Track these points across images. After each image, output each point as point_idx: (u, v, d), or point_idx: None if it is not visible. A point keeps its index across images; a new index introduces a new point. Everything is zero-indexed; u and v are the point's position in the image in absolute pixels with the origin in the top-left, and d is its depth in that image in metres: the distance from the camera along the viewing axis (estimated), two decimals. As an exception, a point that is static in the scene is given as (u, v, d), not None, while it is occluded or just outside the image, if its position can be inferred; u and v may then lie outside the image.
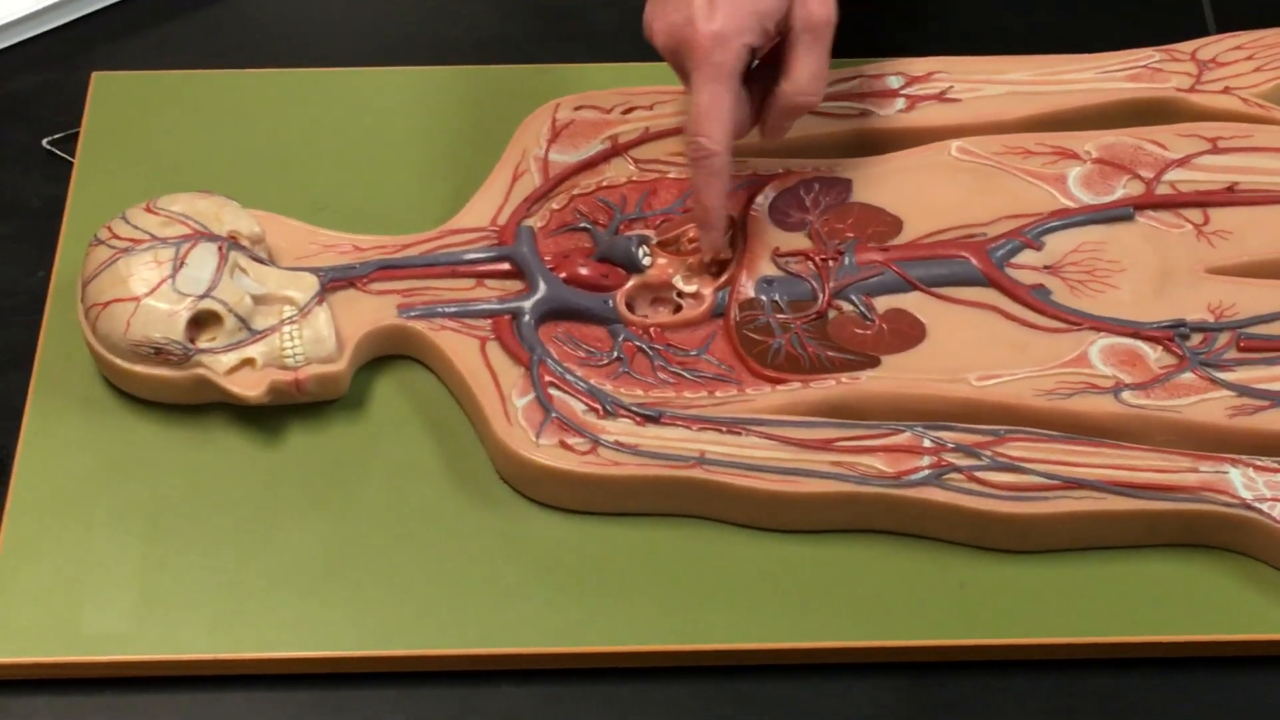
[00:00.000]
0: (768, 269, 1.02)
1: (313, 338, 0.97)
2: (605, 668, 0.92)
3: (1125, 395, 0.96)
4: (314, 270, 1.00)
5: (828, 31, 0.99)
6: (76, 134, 1.10)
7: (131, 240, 0.98)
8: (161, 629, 0.92)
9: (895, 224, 1.03)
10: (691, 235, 1.02)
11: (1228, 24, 1.15)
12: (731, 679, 0.92)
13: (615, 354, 0.99)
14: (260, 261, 0.99)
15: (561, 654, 0.92)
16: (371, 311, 1.00)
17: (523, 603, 0.93)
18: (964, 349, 0.99)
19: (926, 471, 0.94)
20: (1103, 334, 0.99)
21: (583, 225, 1.03)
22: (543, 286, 1.00)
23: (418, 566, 0.94)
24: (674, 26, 0.98)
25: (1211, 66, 1.10)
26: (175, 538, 0.95)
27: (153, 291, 0.96)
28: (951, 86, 1.09)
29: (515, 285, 1.01)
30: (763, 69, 1.00)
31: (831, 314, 1.00)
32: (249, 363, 0.97)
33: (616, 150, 1.06)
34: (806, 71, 0.99)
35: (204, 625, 0.92)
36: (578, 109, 1.08)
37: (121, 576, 0.93)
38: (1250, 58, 1.10)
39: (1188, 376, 0.97)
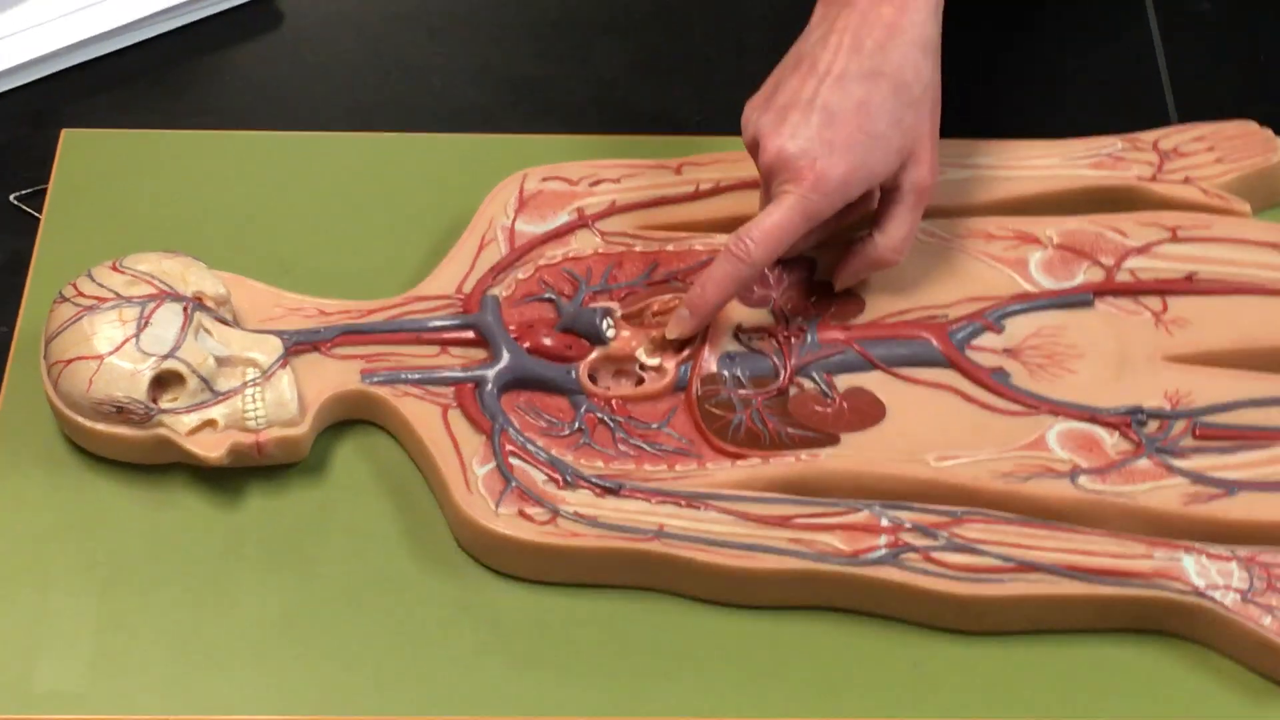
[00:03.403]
0: (730, 345, 1.02)
1: (275, 400, 0.98)
2: (559, 739, 0.92)
3: (1082, 480, 0.97)
4: (278, 333, 1.00)
5: (930, 195, 1.01)
6: (44, 190, 1.10)
7: (96, 298, 0.98)
8: (115, 689, 0.92)
9: (858, 303, 1.04)
10: (655, 309, 1.02)
11: (1189, 113, 1.16)
12: (684, 753, 0.92)
13: (577, 425, 0.99)
14: (225, 323, 1.00)
15: (515, 724, 0.92)
16: (335, 376, 1.00)
17: (479, 672, 0.93)
18: (923, 429, 0.99)
19: (883, 551, 0.94)
20: (1061, 418, 1.00)
21: (548, 296, 1.04)
22: (506, 356, 1.01)
23: (374, 632, 0.94)
24: (786, 152, 0.98)
25: (1173, 156, 1.11)
26: (132, 597, 0.95)
27: (116, 350, 0.96)
28: (916, 169, 1.10)
29: (479, 354, 1.01)
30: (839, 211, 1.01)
31: (793, 391, 1.01)
32: (210, 424, 0.97)
33: (583, 222, 1.07)
34: (902, 231, 1.00)
35: (158, 686, 0.92)
36: (545, 180, 1.08)
37: (76, 635, 0.93)
38: (1211, 149, 1.12)
39: (1144, 463, 0.98)
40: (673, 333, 1.01)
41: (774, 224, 0.98)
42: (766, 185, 1.00)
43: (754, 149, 1.01)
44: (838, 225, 1.03)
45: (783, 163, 0.98)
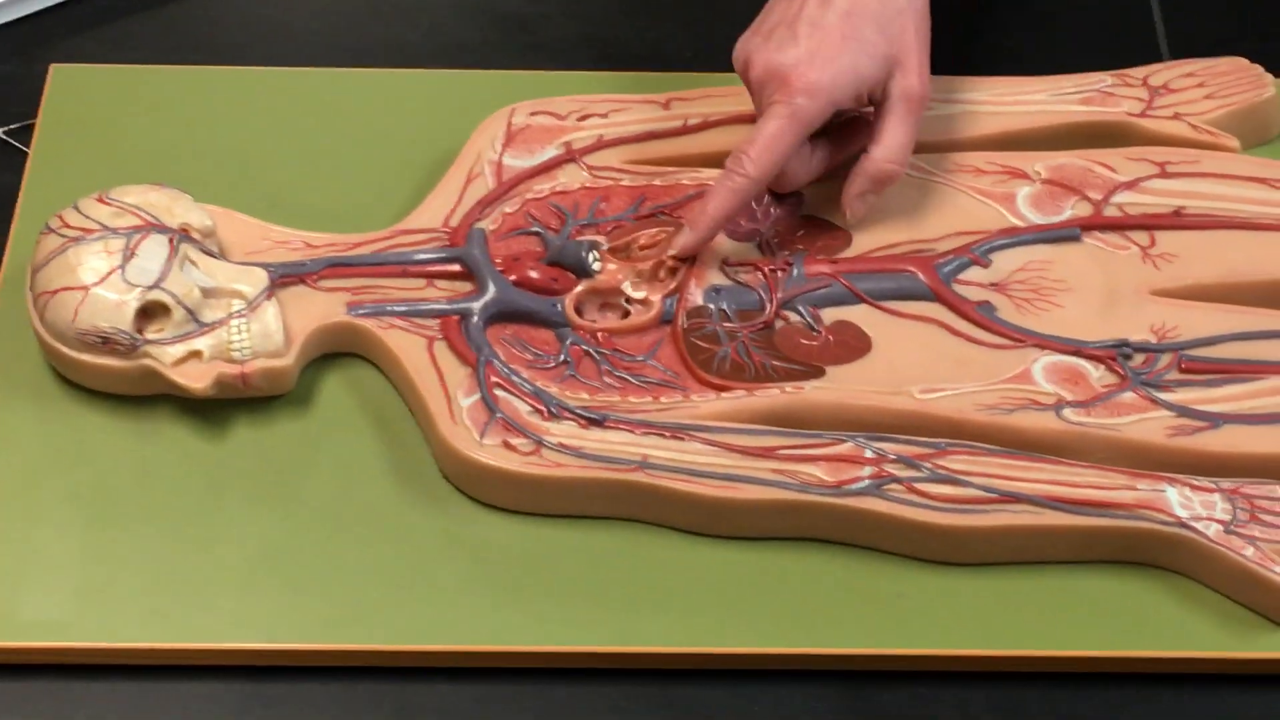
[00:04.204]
0: (717, 278, 1.02)
1: (260, 332, 0.98)
2: (541, 668, 0.92)
3: (1066, 412, 0.97)
4: (265, 265, 1.00)
5: (922, 107, 1.01)
6: (33, 125, 1.10)
7: (82, 230, 0.98)
8: (100, 617, 0.92)
9: (844, 237, 1.04)
10: (642, 243, 1.02)
11: (1181, 49, 1.16)
12: (667, 683, 0.92)
13: (562, 357, 0.99)
14: (211, 255, 1.00)
15: (497, 653, 0.92)
16: (321, 308, 1.00)
17: (461, 601, 0.93)
18: (908, 362, 0.99)
19: (867, 481, 0.94)
20: (1046, 352, 1.00)
21: (534, 230, 1.04)
22: (492, 288, 1.01)
23: (358, 562, 0.94)
24: (773, 63, 0.99)
25: (1163, 93, 1.11)
26: (117, 527, 0.95)
27: (102, 281, 0.96)
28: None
29: (465, 286, 1.01)
30: (837, 132, 1.02)
31: (778, 324, 1.01)
32: (196, 355, 0.97)
33: (571, 156, 1.07)
34: (898, 141, 1.01)
35: (142, 614, 0.92)
36: (533, 114, 1.08)
37: (62, 565, 0.93)
38: (1201, 85, 1.11)
39: (1128, 396, 0.98)
40: (674, 249, 1.01)
41: (768, 135, 0.99)
42: (758, 103, 1.01)
43: (744, 72, 1.02)
44: (841, 153, 1.03)
45: (770, 74, 0.99)
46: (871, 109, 1.03)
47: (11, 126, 1.11)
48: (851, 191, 1.02)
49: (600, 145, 1.07)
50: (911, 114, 1.01)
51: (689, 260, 1.02)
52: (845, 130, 1.04)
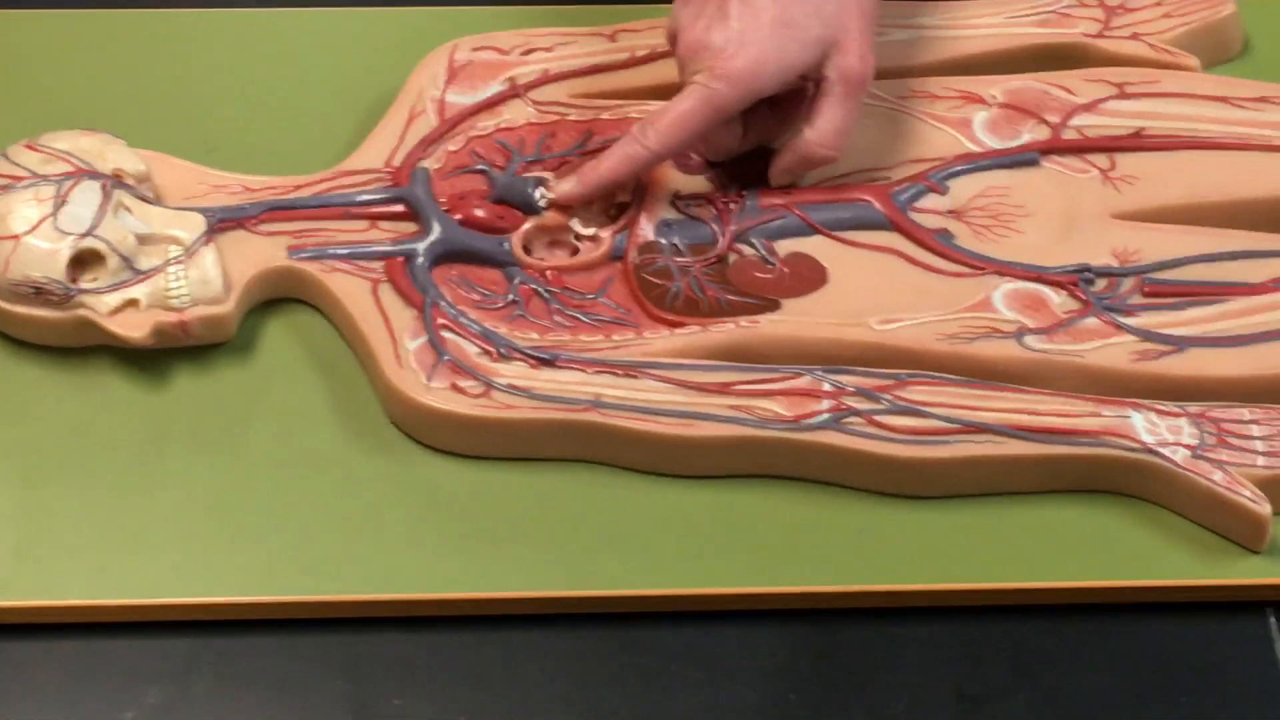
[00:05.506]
0: (667, 212, 1.00)
1: (199, 278, 0.95)
2: (498, 614, 0.90)
3: (1028, 339, 0.95)
4: (202, 210, 0.98)
5: (862, 88, 0.97)
6: (-40, 73, 1.07)
7: (11, 178, 0.95)
8: (40, 575, 0.89)
9: (798, 167, 1.02)
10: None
11: (1136, -31, 1.13)
12: (627, 626, 0.90)
13: (511, 297, 0.97)
14: (146, 201, 0.97)
15: (452, 600, 0.90)
16: (261, 252, 0.97)
17: (413, 549, 0.91)
18: (865, 293, 0.97)
19: (826, 415, 0.92)
20: (1006, 279, 0.98)
21: (480, 168, 1.01)
22: (437, 228, 0.98)
23: (305, 512, 0.92)
24: (699, 43, 0.96)
25: (1119, 12, 1.09)
26: (55, 483, 0.92)
27: (33, 230, 0.94)
28: (857, 30, 1.07)
29: (409, 227, 0.99)
30: (777, 105, 0.99)
31: (731, 258, 0.98)
32: (133, 304, 0.95)
33: (515, 92, 1.04)
34: (832, 124, 0.97)
35: (83, 571, 0.89)
36: (476, 50, 1.06)
37: (-1, 522, 0.91)
38: (1158, 4, 1.09)
39: (1091, 321, 0.96)
40: (554, 193, 0.99)
41: (677, 114, 0.97)
42: (681, 75, 0.98)
43: (673, 41, 0.99)
44: (781, 127, 1.00)
45: (693, 53, 0.97)
46: (811, 85, 0.99)
47: (-62, 75, 1.08)
48: (779, 165, 1.00)
49: (546, 80, 1.05)
50: (849, 96, 0.97)
51: (639, 194, 1.00)
52: (786, 104, 1.00)
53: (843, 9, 0.96)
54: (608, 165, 0.98)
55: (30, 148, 0.97)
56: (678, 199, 1.00)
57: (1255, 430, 0.93)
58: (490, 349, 0.94)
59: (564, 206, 0.99)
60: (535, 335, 0.95)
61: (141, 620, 0.89)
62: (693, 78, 0.97)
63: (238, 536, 0.91)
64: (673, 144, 0.97)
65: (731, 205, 1.00)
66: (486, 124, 1.03)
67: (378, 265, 0.97)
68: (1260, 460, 0.92)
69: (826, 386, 0.93)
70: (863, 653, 0.90)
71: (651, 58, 1.06)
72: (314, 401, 0.95)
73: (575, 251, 0.99)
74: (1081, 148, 1.03)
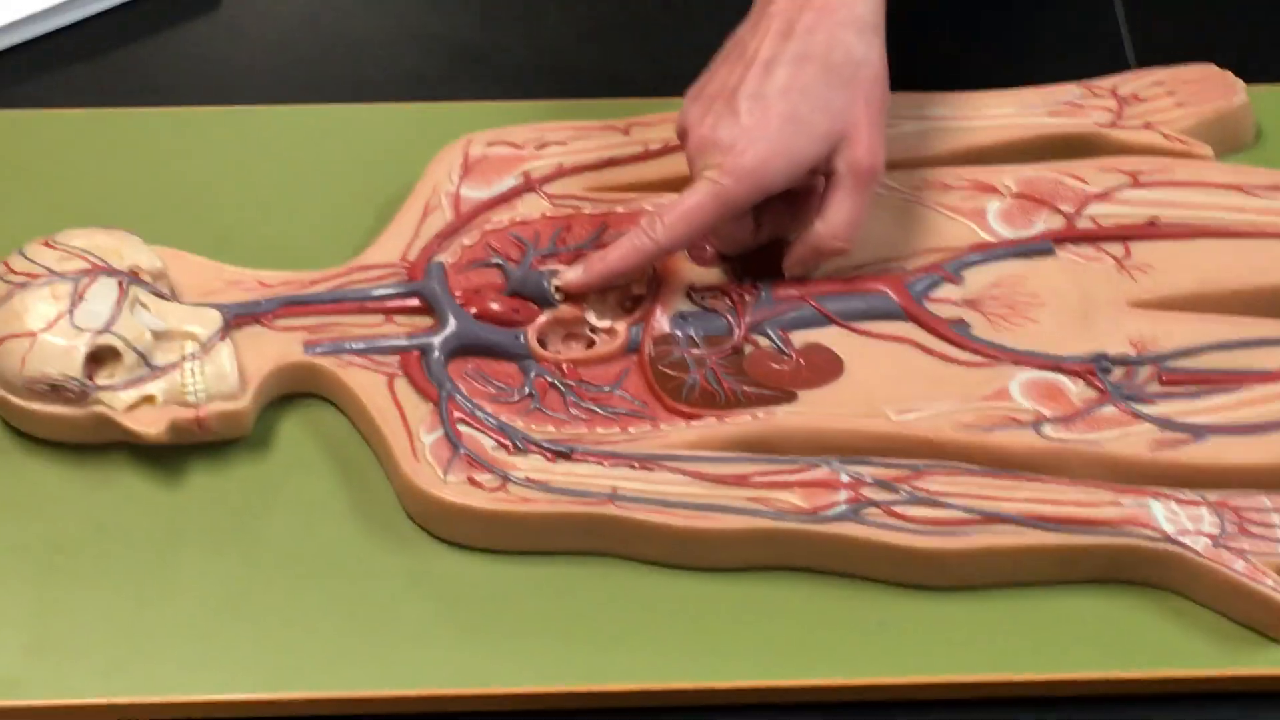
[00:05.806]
0: (683, 304, 1.00)
1: (215, 374, 0.95)
2: (514, 710, 0.89)
3: (1046, 429, 0.95)
4: (218, 306, 0.98)
5: (873, 180, 0.97)
6: (-23, 172, 1.08)
7: (28, 275, 0.95)
8: (54, 673, 0.89)
9: (812, 259, 1.02)
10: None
11: (1147, 58, 1.14)
12: (645, 720, 0.90)
13: (526, 390, 0.97)
14: (162, 297, 0.97)
15: (469, 695, 0.89)
16: (277, 348, 0.97)
17: (430, 644, 0.90)
18: (882, 383, 0.97)
19: (843, 506, 0.92)
20: (1023, 368, 0.97)
21: (495, 261, 1.01)
22: (452, 322, 0.98)
23: (322, 607, 0.91)
24: (705, 140, 0.97)
25: (1132, 102, 1.09)
26: (71, 579, 0.92)
27: (50, 327, 0.94)
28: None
29: (425, 321, 0.99)
30: (790, 199, 0.99)
31: (747, 349, 0.98)
32: (149, 400, 0.94)
33: (530, 186, 1.04)
34: (843, 216, 0.97)
35: (99, 669, 0.89)
36: (490, 145, 1.06)
37: (12, 619, 0.90)
38: (1170, 93, 1.09)
39: (1109, 410, 0.96)
40: (560, 281, 0.99)
41: (685, 208, 0.97)
42: (691, 170, 0.98)
43: (683, 137, 0.99)
44: (795, 221, 1.00)
45: (702, 149, 0.97)
46: (822, 179, 1.00)
47: (-45, 174, 1.08)
48: (792, 257, 1.00)
49: (560, 173, 1.05)
50: (859, 188, 0.97)
51: (655, 286, 1.00)
52: (799, 198, 1.00)
53: (851, 103, 0.97)
54: (615, 256, 0.98)
55: (47, 245, 0.97)
56: (693, 291, 1.00)
57: (1276, 519, 0.92)
58: (506, 442, 0.94)
59: (575, 297, 0.99)
60: (551, 428, 0.95)
61: (156, 718, 0.88)
62: (702, 173, 0.97)
63: (253, 633, 0.91)
64: (679, 238, 0.97)
65: (747, 297, 1.00)
66: (501, 218, 1.03)
67: (393, 359, 0.97)
68: (1282, 548, 0.91)
69: (844, 477, 0.93)
70: (884, 746, 0.90)
71: (665, 151, 1.06)
72: (330, 496, 0.95)
73: (591, 344, 0.99)
74: (1096, 236, 1.03)
